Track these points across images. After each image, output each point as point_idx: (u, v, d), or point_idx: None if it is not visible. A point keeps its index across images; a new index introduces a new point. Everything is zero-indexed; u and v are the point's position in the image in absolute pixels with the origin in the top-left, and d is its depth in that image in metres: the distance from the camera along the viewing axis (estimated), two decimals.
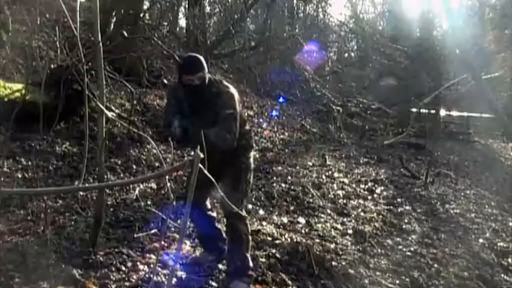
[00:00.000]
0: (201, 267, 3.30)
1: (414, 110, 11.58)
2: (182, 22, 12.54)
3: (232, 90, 3.06)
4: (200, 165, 1.74)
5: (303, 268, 3.51)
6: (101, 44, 3.03)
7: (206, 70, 2.98)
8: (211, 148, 2.56)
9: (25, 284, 2.74)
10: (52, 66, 5.47)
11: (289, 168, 6.61)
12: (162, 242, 3.54)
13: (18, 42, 5.98)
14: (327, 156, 7.66)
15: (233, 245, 3.11)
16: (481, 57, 11.46)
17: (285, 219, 4.57)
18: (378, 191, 6.26)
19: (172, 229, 3.66)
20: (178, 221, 3.72)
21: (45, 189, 4.04)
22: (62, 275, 2.88)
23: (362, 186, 6.41)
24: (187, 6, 9.56)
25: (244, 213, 3.13)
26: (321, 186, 5.88)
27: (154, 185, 4.87)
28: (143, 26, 8.44)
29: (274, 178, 5.96)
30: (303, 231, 4.30)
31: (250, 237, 3.17)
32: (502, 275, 4.10)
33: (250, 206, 4.66)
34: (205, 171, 1.79)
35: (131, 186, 4.71)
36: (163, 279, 3.01)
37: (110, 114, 3.32)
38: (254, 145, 3.47)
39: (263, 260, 3.53)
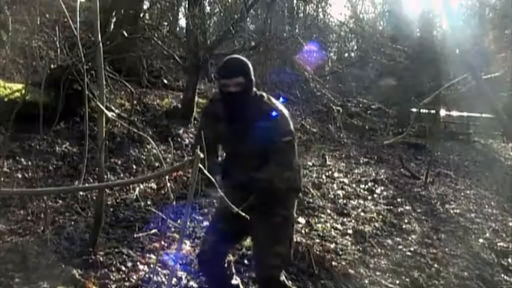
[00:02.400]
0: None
1: (414, 110, 11.56)
2: (182, 22, 12.56)
3: (284, 109, 2.38)
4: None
5: (303, 268, 3.51)
6: (101, 44, 3.03)
7: (250, 78, 2.29)
8: (256, 190, 2.21)
9: (25, 284, 2.74)
10: (52, 66, 5.47)
11: None
12: (162, 242, 3.53)
13: (18, 42, 5.99)
14: (327, 156, 7.66)
15: None
16: (481, 57, 11.46)
17: None
18: (378, 191, 6.26)
19: (172, 229, 3.66)
20: (178, 221, 3.72)
21: (45, 189, 4.04)
22: (62, 275, 2.88)
23: (362, 186, 6.40)
24: (187, 6, 9.54)
25: (285, 280, 2.43)
26: (321, 186, 5.88)
27: (154, 185, 4.87)
28: (143, 26, 8.44)
29: None
30: (303, 231, 4.30)
31: None
32: (502, 275, 4.10)
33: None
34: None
35: (131, 186, 4.71)
36: (163, 279, 3.01)
37: (110, 114, 3.33)
38: (301, 186, 2.60)
39: None
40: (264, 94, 2.41)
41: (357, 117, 12.29)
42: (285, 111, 2.35)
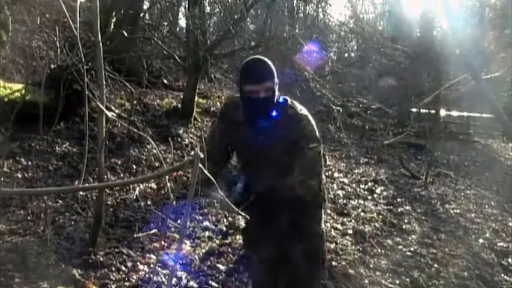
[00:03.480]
0: (200, 267, 3.30)
1: (414, 110, 11.58)
2: (182, 22, 12.56)
3: (310, 115, 2.22)
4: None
5: None
6: (101, 44, 3.03)
7: (276, 80, 2.14)
8: (282, 204, 2.07)
9: (25, 284, 2.74)
10: (52, 66, 5.47)
11: None
12: (162, 242, 3.54)
13: (18, 42, 5.99)
14: (327, 156, 7.66)
15: None
16: (481, 57, 11.45)
17: None
18: (378, 191, 6.26)
19: (172, 229, 3.66)
20: (178, 221, 3.72)
21: (45, 189, 4.04)
22: (62, 275, 2.88)
23: (362, 186, 6.40)
24: (187, 6, 9.55)
25: None
26: None
27: (154, 185, 4.87)
28: (143, 26, 8.44)
29: None
30: None
31: None
32: (502, 275, 4.09)
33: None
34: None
35: (131, 186, 4.71)
36: (163, 279, 3.01)
37: (110, 114, 3.32)
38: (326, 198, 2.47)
39: None
40: (288, 98, 2.25)
41: (357, 117, 12.28)
42: (311, 117, 2.20)
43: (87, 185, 4.26)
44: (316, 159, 2.14)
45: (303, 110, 2.20)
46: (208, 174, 1.64)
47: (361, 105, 13.04)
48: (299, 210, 2.17)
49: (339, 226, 4.62)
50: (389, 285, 3.54)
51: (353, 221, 4.85)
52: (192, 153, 1.51)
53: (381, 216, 5.10)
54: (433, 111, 12.79)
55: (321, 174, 2.19)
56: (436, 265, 4.02)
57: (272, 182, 2.09)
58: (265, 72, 2.12)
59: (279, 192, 2.08)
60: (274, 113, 2.17)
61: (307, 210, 2.21)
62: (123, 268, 3.13)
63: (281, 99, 2.19)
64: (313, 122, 2.18)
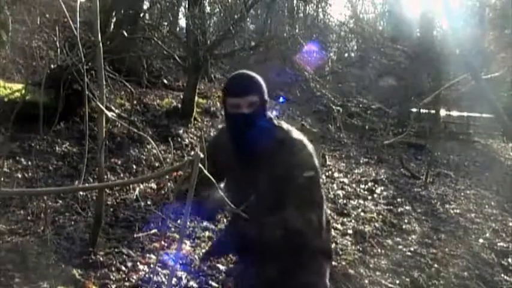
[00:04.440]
0: (200, 267, 3.30)
1: (414, 110, 11.58)
2: (182, 22, 12.56)
3: (305, 139, 1.91)
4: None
5: None
6: (101, 44, 3.03)
7: (265, 97, 1.88)
8: (271, 248, 1.74)
9: (25, 284, 2.74)
10: (52, 66, 5.47)
11: None
12: (162, 242, 3.54)
13: (18, 42, 5.99)
14: (327, 156, 7.66)
15: None
16: (481, 57, 11.46)
17: None
18: (378, 191, 6.26)
19: (172, 229, 3.66)
20: (178, 221, 3.72)
21: (45, 189, 4.04)
22: (62, 275, 2.88)
23: (362, 186, 6.40)
24: (187, 6, 9.55)
25: None
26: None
27: (154, 185, 4.87)
28: (143, 26, 8.44)
29: None
30: None
31: None
32: (502, 275, 4.10)
33: None
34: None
35: (131, 186, 4.71)
36: (163, 279, 3.01)
37: (110, 114, 3.32)
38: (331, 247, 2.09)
39: None
40: (281, 121, 1.95)
41: (357, 117, 12.29)
42: (306, 141, 1.88)
43: (87, 185, 4.25)
44: (313, 190, 1.79)
45: (295, 134, 1.88)
46: (209, 174, 1.63)
47: (361, 105, 13.04)
48: (293, 257, 1.79)
49: (339, 226, 4.63)
50: (389, 285, 3.54)
51: (353, 221, 4.85)
52: (192, 153, 1.51)
53: (381, 216, 5.10)
54: (433, 111, 12.80)
55: (321, 208, 1.82)
56: (436, 265, 4.02)
57: (260, 220, 1.74)
58: (249, 85, 1.87)
59: (268, 232, 1.73)
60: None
61: (303, 258, 1.82)
62: (123, 268, 3.13)
63: (270, 121, 1.89)
64: (310, 148, 1.85)
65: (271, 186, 1.78)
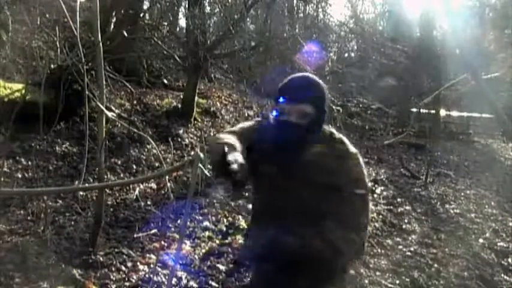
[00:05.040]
0: (200, 267, 3.30)
1: (414, 110, 11.58)
2: (182, 22, 12.55)
3: (357, 152, 1.74)
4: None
5: None
6: (101, 44, 3.03)
7: (323, 108, 1.69)
8: (307, 263, 1.59)
9: (25, 284, 2.75)
10: (52, 66, 5.48)
11: None
12: (162, 242, 3.54)
13: (18, 42, 5.99)
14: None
15: None
16: (481, 57, 11.45)
17: None
18: (378, 191, 6.26)
19: (172, 229, 3.66)
20: (178, 221, 3.72)
21: (45, 189, 4.04)
22: (62, 275, 2.88)
23: None
24: (187, 6, 9.55)
25: None
26: None
27: (154, 185, 4.87)
28: (143, 26, 8.44)
29: None
30: None
31: None
32: (502, 275, 4.09)
33: (250, 206, 4.65)
34: None
35: (131, 186, 4.71)
36: (163, 279, 3.01)
37: (110, 114, 3.32)
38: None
39: None
40: (335, 131, 1.77)
41: (357, 117, 12.29)
42: (361, 158, 1.72)
43: (87, 185, 4.26)
44: (363, 209, 1.65)
45: (352, 147, 1.72)
46: (208, 175, 1.61)
47: (361, 105, 13.05)
48: (327, 272, 1.65)
49: None
50: (389, 285, 3.54)
51: None
52: (192, 153, 1.51)
53: (381, 216, 5.10)
54: (433, 111, 12.80)
55: (366, 229, 1.69)
56: (436, 265, 4.02)
57: (297, 230, 1.58)
58: (305, 91, 1.62)
59: (308, 243, 1.57)
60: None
61: (336, 275, 1.69)
62: (123, 268, 3.13)
63: (326, 132, 1.73)
64: (362, 164, 1.71)
65: (318, 196, 1.61)
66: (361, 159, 1.70)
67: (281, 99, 1.63)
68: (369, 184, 1.73)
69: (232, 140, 1.62)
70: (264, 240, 1.62)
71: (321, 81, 1.69)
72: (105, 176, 4.28)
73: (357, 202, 1.63)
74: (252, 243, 1.76)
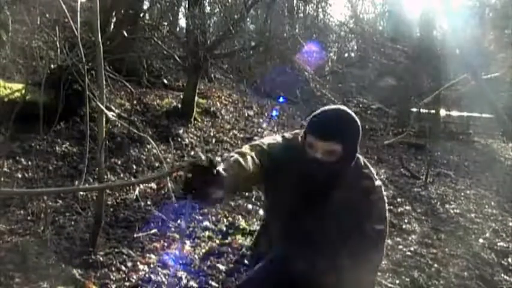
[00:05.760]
0: (200, 267, 3.30)
1: (414, 110, 11.59)
2: (182, 22, 12.56)
3: (381, 185, 1.71)
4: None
5: None
6: (101, 44, 3.03)
7: (354, 148, 1.63)
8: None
9: (25, 284, 2.74)
10: (52, 66, 5.48)
11: None
12: (162, 242, 3.54)
13: (18, 42, 5.99)
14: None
15: None
16: (481, 57, 11.45)
17: None
18: None
19: (172, 229, 3.66)
20: (178, 221, 3.72)
21: (45, 189, 4.04)
22: (62, 275, 2.88)
23: None
24: (187, 6, 9.55)
25: None
26: None
27: (154, 185, 4.87)
28: (143, 26, 8.44)
29: None
30: None
31: None
32: (502, 275, 4.09)
33: (250, 206, 4.66)
34: None
35: (131, 186, 4.71)
36: (163, 279, 3.01)
37: (110, 114, 3.32)
38: None
39: None
40: (363, 162, 1.71)
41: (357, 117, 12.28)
42: (383, 188, 1.69)
43: (87, 185, 4.26)
44: (378, 247, 1.60)
45: (377, 181, 1.68)
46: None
47: (361, 105, 13.04)
48: None
49: None
50: (389, 285, 3.53)
51: None
52: (192, 153, 1.51)
53: None
54: (433, 111, 12.80)
55: (377, 270, 1.67)
56: (436, 265, 4.02)
57: (311, 259, 1.55)
58: (336, 129, 1.56)
59: (319, 275, 1.53)
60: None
61: None
62: (123, 268, 3.13)
63: (355, 164, 1.67)
64: (385, 197, 1.68)
65: (339, 230, 1.58)
66: (383, 192, 1.67)
67: (311, 132, 1.60)
68: (387, 213, 1.67)
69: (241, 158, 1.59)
70: (275, 260, 1.60)
71: (354, 116, 1.64)
72: (105, 176, 4.28)
73: (374, 238, 1.59)
74: (262, 259, 1.71)
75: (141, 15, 8.54)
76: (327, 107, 1.70)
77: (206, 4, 9.78)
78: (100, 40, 3.02)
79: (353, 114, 1.65)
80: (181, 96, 7.91)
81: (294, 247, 1.59)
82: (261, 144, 1.73)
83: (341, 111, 1.64)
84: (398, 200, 5.95)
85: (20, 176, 4.32)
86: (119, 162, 5.28)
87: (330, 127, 1.58)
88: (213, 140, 7.12)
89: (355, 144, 1.62)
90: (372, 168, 1.71)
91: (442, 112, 13.68)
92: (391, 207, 5.56)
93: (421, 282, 3.66)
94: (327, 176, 1.59)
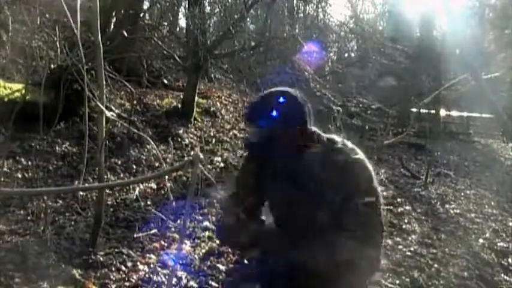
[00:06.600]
0: (200, 267, 3.30)
1: (414, 110, 11.58)
2: (182, 22, 12.57)
3: (365, 159, 1.65)
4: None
5: None
6: (101, 44, 3.02)
7: (287, 125, 1.60)
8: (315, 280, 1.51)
9: (25, 284, 2.74)
10: (52, 66, 5.47)
11: None
12: (162, 242, 3.54)
13: (18, 42, 5.99)
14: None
15: None
16: (481, 57, 11.45)
17: None
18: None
19: (172, 229, 3.66)
20: (178, 221, 3.72)
21: (45, 189, 4.04)
22: (62, 275, 2.88)
23: None
24: (187, 6, 9.55)
25: None
26: None
27: (154, 185, 4.87)
28: (143, 26, 8.44)
29: None
30: None
31: None
32: (502, 275, 4.09)
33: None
34: None
35: (131, 186, 4.71)
36: (163, 279, 3.01)
37: (109, 114, 3.32)
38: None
39: None
40: (335, 139, 1.69)
41: (357, 117, 12.29)
42: (366, 162, 1.62)
43: (87, 185, 4.26)
44: (373, 218, 1.54)
45: (354, 154, 1.61)
46: (208, 175, 1.62)
47: (361, 105, 13.06)
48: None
49: None
50: (389, 285, 3.53)
51: None
52: (192, 153, 1.51)
53: None
54: (433, 111, 12.80)
55: (381, 243, 1.58)
56: (436, 265, 4.01)
57: (304, 245, 1.54)
58: (258, 111, 1.61)
59: (319, 260, 1.51)
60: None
61: None
62: (123, 268, 3.13)
63: (323, 142, 1.66)
64: (370, 169, 1.61)
65: (320, 211, 1.56)
66: (367, 165, 1.61)
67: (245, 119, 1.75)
68: (378, 187, 1.61)
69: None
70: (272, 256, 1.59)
71: (288, 97, 1.61)
72: (105, 176, 4.28)
73: (367, 211, 1.53)
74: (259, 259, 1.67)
75: (141, 15, 8.54)
76: (264, 93, 1.72)
77: (206, 4, 9.78)
78: (100, 40, 3.02)
79: (288, 94, 1.63)
80: (181, 96, 7.91)
81: (293, 241, 1.57)
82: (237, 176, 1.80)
83: (267, 95, 1.66)
84: (398, 200, 5.94)
85: (20, 176, 4.32)
86: (119, 162, 5.28)
87: (252, 111, 1.67)
88: (213, 140, 7.12)
89: (286, 123, 1.58)
90: (351, 146, 1.65)
91: (442, 112, 13.68)
92: (391, 207, 5.56)
93: (421, 282, 3.65)
94: (272, 157, 1.61)
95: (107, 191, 4.23)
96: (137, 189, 4.62)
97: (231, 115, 8.79)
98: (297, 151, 1.61)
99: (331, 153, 1.61)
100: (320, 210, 1.56)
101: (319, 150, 1.62)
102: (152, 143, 2.27)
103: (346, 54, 18.87)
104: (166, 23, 10.07)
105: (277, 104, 1.59)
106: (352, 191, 1.53)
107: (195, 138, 6.92)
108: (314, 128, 1.67)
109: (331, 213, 1.53)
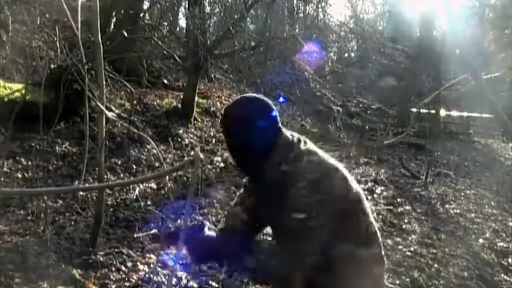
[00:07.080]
0: (201, 267, 3.30)
1: (414, 110, 11.58)
2: (182, 22, 12.57)
3: (330, 164, 1.59)
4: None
5: None
6: (101, 44, 3.03)
7: (246, 138, 1.56)
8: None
9: (25, 284, 2.74)
10: (52, 66, 5.48)
11: None
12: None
13: (18, 42, 5.99)
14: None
15: None
16: (481, 57, 11.46)
17: None
18: (378, 191, 6.25)
19: (172, 229, 3.66)
20: (178, 221, 3.72)
21: (45, 189, 4.04)
22: (62, 275, 2.88)
23: (362, 186, 6.40)
24: (187, 6, 9.56)
25: None
26: None
27: (154, 185, 4.87)
28: (143, 26, 8.44)
29: None
30: None
31: None
32: (502, 275, 4.09)
33: None
34: None
35: (131, 186, 4.71)
36: (163, 279, 3.01)
37: (110, 114, 3.32)
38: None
39: None
40: (301, 146, 1.60)
41: (357, 117, 12.30)
42: (315, 175, 1.52)
43: (87, 185, 4.26)
44: (300, 237, 1.48)
45: (302, 168, 1.53)
46: (208, 176, 1.63)
47: (361, 105, 13.06)
48: None
49: None
50: (390, 285, 3.53)
51: None
52: (192, 153, 1.52)
53: (380, 216, 5.10)
54: (433, 111, 12.80)
55: (303, 263, 1.52)
56: (436, 265, 4.01)
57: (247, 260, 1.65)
58: (236, 120, 1.59)
59: (259, 261, 1.61)
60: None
61: None
62: (123, 268, 3.13)
63: (286, 151, 1.58)
64: (309, 184, 1.50)
65: (278, 227, 1.62)
66: (311, 177, 1.52)
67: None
68: (316, 204, 1.51)
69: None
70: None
71: (244, 108, 1.60)
72: (105, 176, 4.28)
73: (296, 227, 1.49)
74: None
75: (141, 15, 8.54)
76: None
77: (206, 4, 9.78)
78: (100, 40, 3.02)
79: (245, 105, 1.62)
80: (181, 96, 7.91)
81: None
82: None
83: (241, 100, 1.66)
84: (398, 200, 5.94)
85: (20, 176, 4.32)
86: (119, 162, 5.28)
87: (231, 120, 1.63)
88: (213, 140, 7.12)
89: (243, 137, 1.57)
90: (304, 158, 1.57)
91: (442, 112, 13.68)
92: (391, 207, 5.57)
93: (421, 282, 3.66)
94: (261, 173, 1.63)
95: (107, 191, 4.23)
96: (137, 189, 4.62)
97: None
98: (266, 169, 1.60)
99: (273, 169, 1.57)
100: (277, 225, 1.63)
101: (270, 166, 1.59)
102: (152, 143, 2.27)
103: (346, 54, 18.88)
104: (166, 23, 10.07)
105: (244, 109, 1.60)
106: (287, 206, 1.51)
107: (195, 138, 6.92)
108: (284, 135, 1.62)
109: (282, 229, 1.57)
